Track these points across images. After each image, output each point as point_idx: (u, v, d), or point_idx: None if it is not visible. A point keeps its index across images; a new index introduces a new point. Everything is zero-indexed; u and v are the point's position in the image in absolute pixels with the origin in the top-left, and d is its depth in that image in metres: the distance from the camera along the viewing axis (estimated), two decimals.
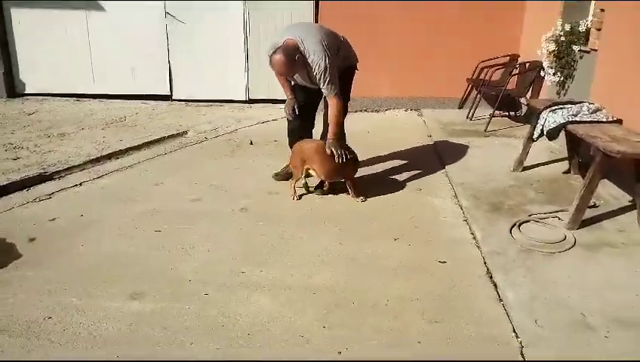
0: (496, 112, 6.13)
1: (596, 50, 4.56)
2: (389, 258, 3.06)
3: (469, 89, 6.94)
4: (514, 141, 5.49)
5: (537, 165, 4.62)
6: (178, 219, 3.58)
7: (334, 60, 3.68)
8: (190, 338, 2.33)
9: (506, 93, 5.98)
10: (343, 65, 3.87)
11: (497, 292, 2.68)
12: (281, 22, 6.73)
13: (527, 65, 6.04)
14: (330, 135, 3.79)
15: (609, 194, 3.88)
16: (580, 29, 4.86)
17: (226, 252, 3.13)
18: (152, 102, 7.32)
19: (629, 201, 3.73)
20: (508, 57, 6.64)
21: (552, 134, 3.89)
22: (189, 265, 2.96)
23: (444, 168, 4.64)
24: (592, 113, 3.88)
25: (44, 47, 7.37)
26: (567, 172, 4.44)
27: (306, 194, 4.03)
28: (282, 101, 7.05)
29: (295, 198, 3.92)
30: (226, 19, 7.11)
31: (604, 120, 3.77)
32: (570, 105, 3.99)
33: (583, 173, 4.27)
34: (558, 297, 2.60)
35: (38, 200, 3.91)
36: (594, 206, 3.61)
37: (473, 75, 6.74)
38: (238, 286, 2.75)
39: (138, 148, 5.27)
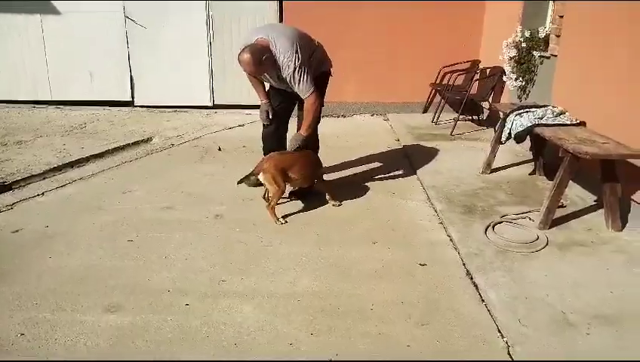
0: (460, 116, 6.26)
1: (556, 56, 4.73)
2: (370, 262, 3.05)
3: (432, 93, 7.07)
4: (479, 144, 5.63)
5: (504, 167, 4.74)
6: (151, 228, 3.47)
7: (306, 62, 3.62)
8: (174, 350, 2.25)
9: (470, 97, 6.12)
10: (318, 70, 3.84)
11: (479, 293, 2.72)
12: (246, 25, 6.69)
13: (489, 70, 6.21)
14: (302, 131, 3.71)
15: (574, 194, 4.01)
16: (539, 35, 5.02)
17: (204, 260, 3.05)
18: (113, 109, 7.10)
19: (594, 201, 3.87)
20: (469, 63, 6.81)
21: (520, 137, 4.00)
22: (166, 275, 2.87)
23: (415, 172, 4.69)
24: (556, 116, 4.01)
25: None
26: (533, 173, 4.57)
27: (284, 202, 3.92)
28: (247, 107, 7.11)
29: (281, 222, 3.58)
30: (188, 23, 6.99)
31: (569, 122, 3.90)
32: (535, 109, 4.11)
33: (547, 174, 4.43)
34: (537, 296, 2.66)
35: None
36: (561, 206, 3.71)
37: (436, 80, 6.87)
38: (219, 295, 2.68)
39: (101, 155, 5.10)
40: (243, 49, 3.51)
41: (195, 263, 3.02)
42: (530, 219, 3.61)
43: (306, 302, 2.63)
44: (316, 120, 3.78)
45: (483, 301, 2.65)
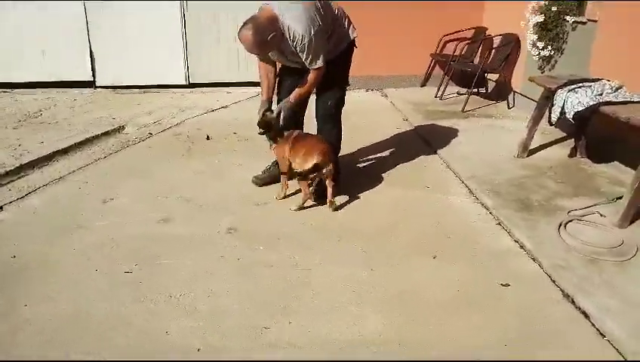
0: (465, 90, 5.69)
1: (595, 21, 4.19)
2: (440, 286, 2.45)
3: (432, 65, 6.46)
4: (497, 121, 5.13)
5: (538, 149, 4.23)
6: (150, 252, 2.73)
7: (322, 36, 3.05)
8: None
9: (482, 70, 5.55)
10: (341, 45, 3.33)
11: (591, 322, 2.18)
12: None
13: (500, 38, 5.63)
14: (291, 97, 3.19)
15: None
16: None
17: (232, 297, 2.36)
18: (71, 91, 6.12)
19: None
20: (473, 30, 6.21)
21: (581, 117, 3.45)
22: (188, 324, 2.18)
23: (440, 158, 4.11)
24: (614, 91, 3.48)
25: None
26: (573, 155, 4.07)
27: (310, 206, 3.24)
28: (228, 84, 6.29)
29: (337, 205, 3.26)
30: None
31: (638, 100, 3.37)
32: (589, 83, 3.57)
33: (590, 155, 3.96)
34: None
35: None
36: None
37: (437, 50, 6.26)
38: (267, 350, 2.02)
39: (66, 151, 4.24)
40: (245, 23, 2.85)
41: (222, 302, 2.33)
42: (600, 214, 3.10)
43: (383, 351, 2.02)
44: (310, 92, 3.26)
45: (603, 335, 2.10)
